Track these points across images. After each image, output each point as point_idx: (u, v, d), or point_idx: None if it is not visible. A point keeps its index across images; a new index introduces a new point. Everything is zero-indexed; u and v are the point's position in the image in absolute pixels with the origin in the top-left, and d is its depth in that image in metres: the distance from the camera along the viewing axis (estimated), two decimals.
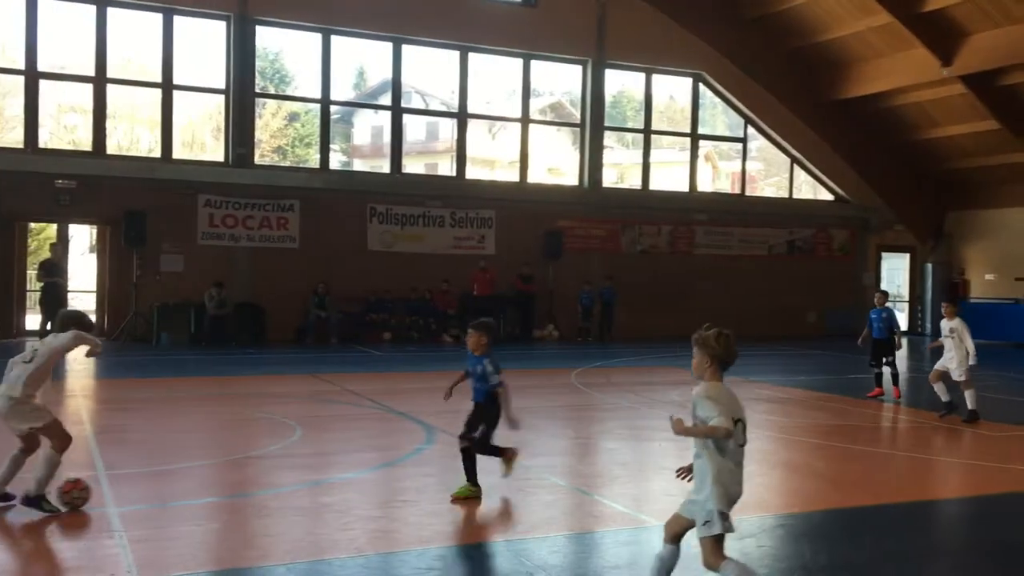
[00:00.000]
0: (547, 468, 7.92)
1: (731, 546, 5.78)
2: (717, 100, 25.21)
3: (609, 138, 25.12)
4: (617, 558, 5.63)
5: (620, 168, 30.02)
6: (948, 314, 10.96)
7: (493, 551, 5.63)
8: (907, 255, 27.29)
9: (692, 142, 24.53)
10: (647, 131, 24.08)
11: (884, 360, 12.58)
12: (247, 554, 5.54)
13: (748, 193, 25.87)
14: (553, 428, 10.31)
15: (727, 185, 27.94)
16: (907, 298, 27.38)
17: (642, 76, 23.82)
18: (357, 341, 19.31)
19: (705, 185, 26.63)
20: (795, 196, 26.02)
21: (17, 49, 18.83)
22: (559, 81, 25.93)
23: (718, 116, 27.72)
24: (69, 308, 10.57)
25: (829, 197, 26.05)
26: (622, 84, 26.89)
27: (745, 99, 24.24)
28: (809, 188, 26.65)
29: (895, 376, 12.54)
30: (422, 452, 8.53)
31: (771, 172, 29.13)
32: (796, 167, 25.58)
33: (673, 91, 27.79)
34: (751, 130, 24.96)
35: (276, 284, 19.21)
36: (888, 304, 13.00)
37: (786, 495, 7.49)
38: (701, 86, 24.30)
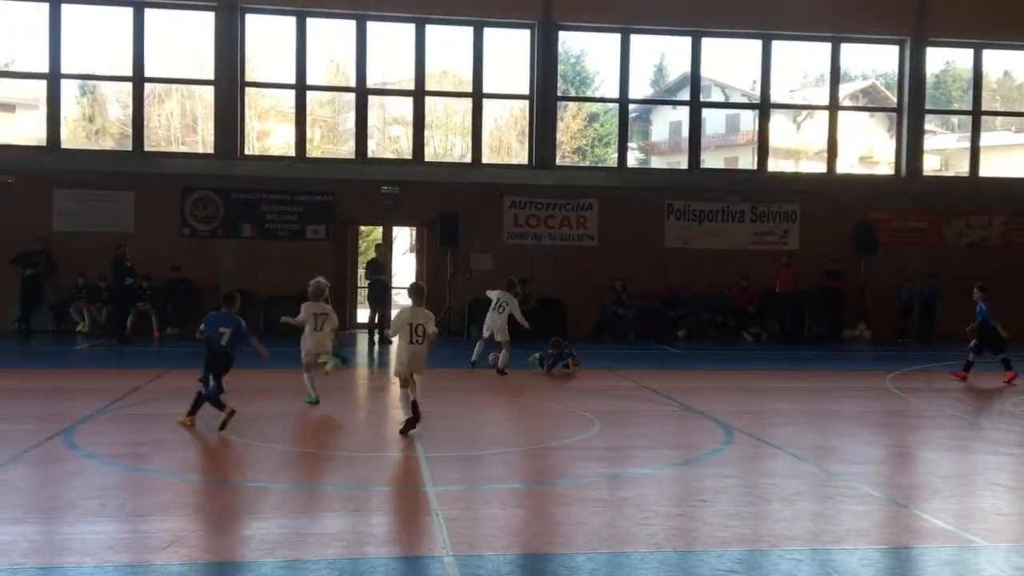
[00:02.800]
0: (859, 477, 7.43)
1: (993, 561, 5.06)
2: None
3: (931, 122, 23.12)
4: None
5: (943, 154, 27.54)
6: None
7: (797, 558, 5.37)
8: None
9: None
10: (976, 112, 21.78)
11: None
12: (550, 540, 5.73)
13: None
14: (865, 435, 9.65)
15: None
16: None
17: (970, 52, 21.58)
18: (653, 337, 19.33)
19: None
20: None
21: (349, 69, 20.94)
22: (872, 63, 24.32)
23: None
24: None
25: None
26: (946, 62, 24.64)
27: None
28: None
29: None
30: (720, 452, 8.35)
31: None
32: None
33: (1008, 66, 24.98)
34: None
35: (575, 281, 19.71)
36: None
37: None
38: None
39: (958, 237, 21.30)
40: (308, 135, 21.31)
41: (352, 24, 19.94)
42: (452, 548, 5.39)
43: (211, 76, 19.70)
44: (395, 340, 9.03)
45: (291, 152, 20.51)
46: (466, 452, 8.19)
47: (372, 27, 20.10)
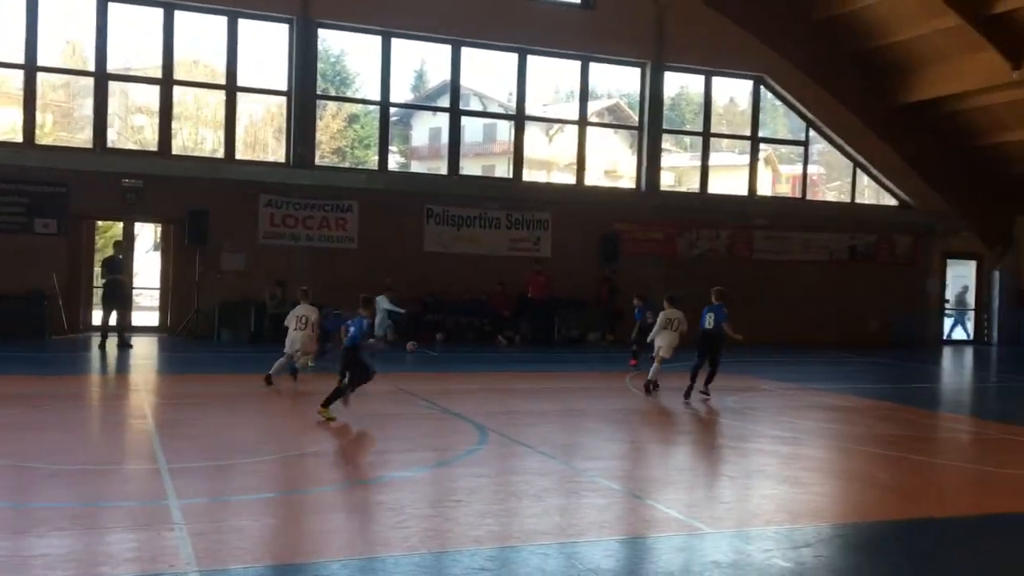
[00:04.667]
0: (602, 472, 7.89)
1: (787, 555, 5.69)
2: (778, 103, 24.85)
3: (667, 141, 24.93)
4: (670, 564, 5.57)
5: (678, 171, 29.78)
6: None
7: (545, 553, 5.61)
8: (973, 262, 26.54)
9: (752, 145, 24.20)
10: (706, 134, 23.83)
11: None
12: (303, 549, 5.61)
13: (809, 197, 25.44)
14: (607, 431, 10.26)
15: (787, 189, 27.54)
16: (973, 306, 26.65)
17: (701, 78, 23.60)
18: (413, 341, 19.43)
19: (765, 189, 26.27)
20: (857, 201, 25.51)
21: (88, 51, 19.39)
22: (617, 83, 25.85)
23: (779, 119, 27.34)
24: None
25: (893, 202, 25.46)
26: (681, 86, 26.69)
27: (807, 102, 23.83)
28: (872, 193, 26.11)
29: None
30: (475, 453, 8.55)
31: (833, 176, 28.60)
32: (859, 171, 25.07)
33: (733, 93, 27.54)
34: (813, 133, 24.53)
35: (334, 284, 19.41)
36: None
37: (844, 505, 7.34)
38: (762, 88, 23.97)
39: (690, 248, 23.18)
40: (38, 120, 19.46)
41: (92, 4, 18.49)
42: (197, 563, 5.13)
43: None
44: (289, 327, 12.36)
45: (18, 138, 18.64)
46: (214, 462, 7.83)
47: (115, 8, 18.75)
